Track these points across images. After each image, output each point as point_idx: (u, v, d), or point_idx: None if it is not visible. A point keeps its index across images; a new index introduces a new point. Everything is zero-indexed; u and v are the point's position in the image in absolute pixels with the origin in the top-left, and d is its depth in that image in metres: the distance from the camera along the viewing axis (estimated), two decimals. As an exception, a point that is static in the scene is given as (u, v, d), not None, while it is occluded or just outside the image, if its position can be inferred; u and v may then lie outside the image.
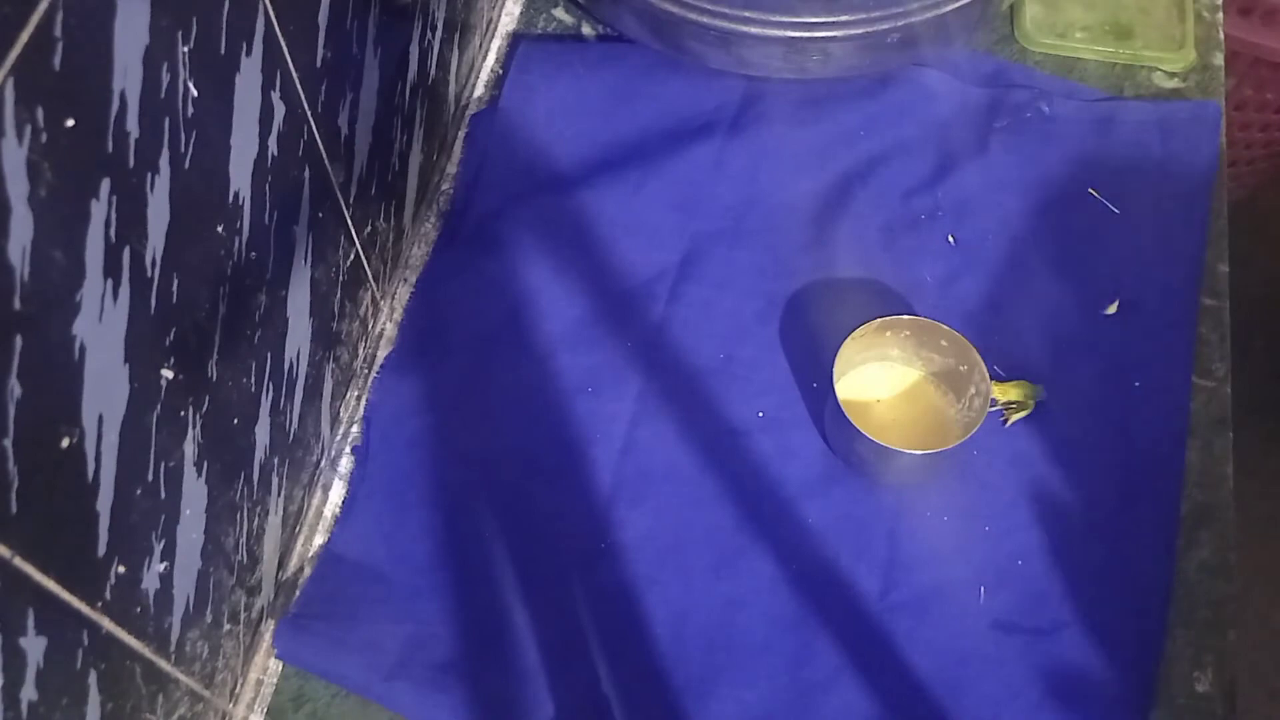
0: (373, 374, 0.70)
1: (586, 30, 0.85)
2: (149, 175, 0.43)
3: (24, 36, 0.34)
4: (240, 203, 0.50)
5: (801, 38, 0.73)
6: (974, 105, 0.78)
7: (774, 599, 0.63)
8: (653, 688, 0.60)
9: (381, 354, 0.71)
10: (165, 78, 0.42)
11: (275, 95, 0.51)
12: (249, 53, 0.48)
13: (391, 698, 0.61)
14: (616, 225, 0.73)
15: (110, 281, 0.41)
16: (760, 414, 0.68)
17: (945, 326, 0.64)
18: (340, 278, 0.65)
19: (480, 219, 0.74)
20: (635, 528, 0.65)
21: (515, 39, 0.84)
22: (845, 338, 0.64)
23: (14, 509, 0.38)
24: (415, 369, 0.70)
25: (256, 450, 0.57)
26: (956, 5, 0.73)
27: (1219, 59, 0.81)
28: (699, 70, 0.79)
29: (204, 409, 0.50)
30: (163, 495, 0.48)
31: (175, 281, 0.45)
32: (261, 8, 0.48)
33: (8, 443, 0.37)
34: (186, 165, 0.45)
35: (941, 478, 0.66)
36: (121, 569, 0.45)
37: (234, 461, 0.55)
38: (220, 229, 0.49)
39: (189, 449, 0.50)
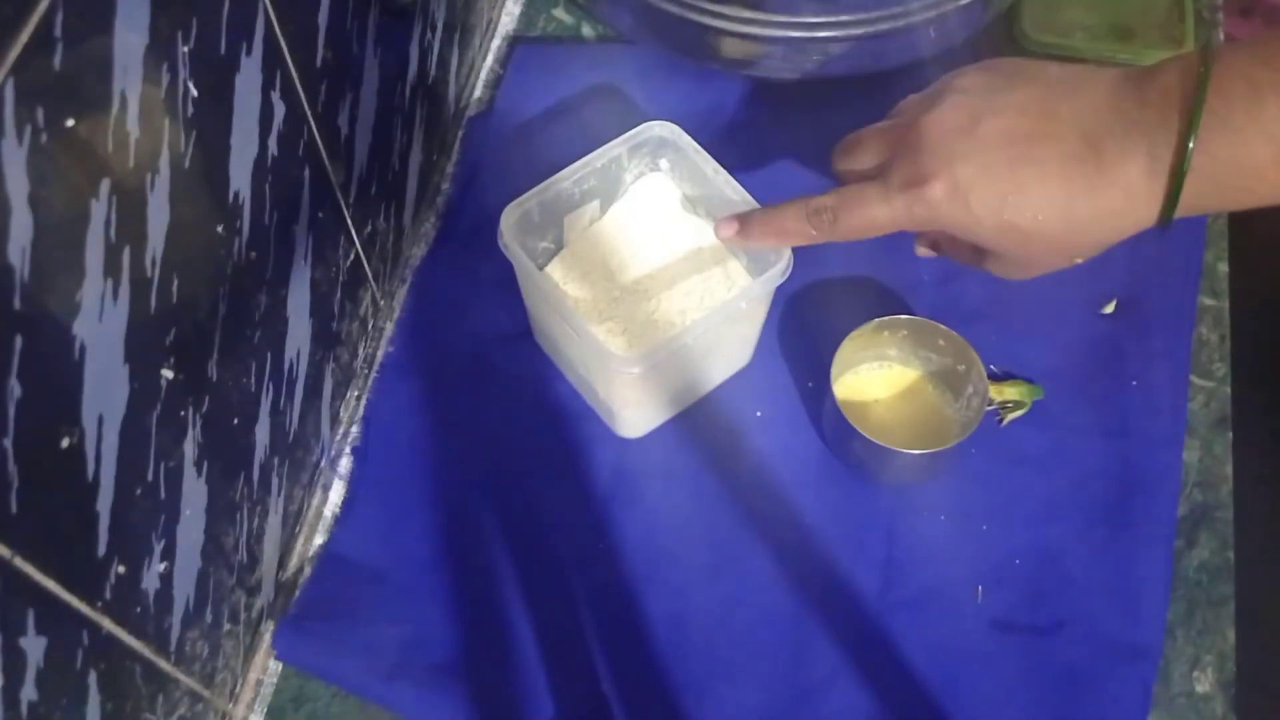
0: (373, 374, 0.71)
1: (586, 30, 0.85)
2: (149, 175, 0.43)
3: (24, 36, 0.34)
4: (240, 203, 0.50)
5: (801, 38, 0.73)
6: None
7: (772, 598, 0.63)
8: (652, 687, 0.61)
9: (381, 354, 0.71)
10: (165, 78, 0.42)
11: (275, 95, 0.51)
12: (249, 53, 0.48)
13: (391, 698, 0.61)
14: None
15: (110, 281, 0.41)
16: (759, 414, 0.68)
17: (943, 326, 0.64)
18: (340, 278, 0.65)
19: (478, 219, 0.74)
20: (633, 528, 0.65)
21: (515, 39, 0.84)
22: (843, 338, 0.64)
23: (14, 509, 0.38)
24: (415, 369, 0.70)
25: (256, 450, 0.57)
26: (956, 5, 0.73)
27: (1218, 59, 0.81)
28: (698, 70, 0.79)
29: (204, 409, 0.50)
30: (163, 495, 0.48)
31: (175, 281, 0.46)
32: (261, 8, 0.48)
33: (8, 443, 0.37)
34: (186, 165, 0.45)
35: (939, 477, 0.66)
36: (121, 569, 0.45)
37: (234, 461, 0.55)
38: (220, 229, 0.49)
39: (189, 449, 0.50)
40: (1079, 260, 0.54)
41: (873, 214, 0.54)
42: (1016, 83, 0.52)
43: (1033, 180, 0.50)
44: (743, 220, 0.61)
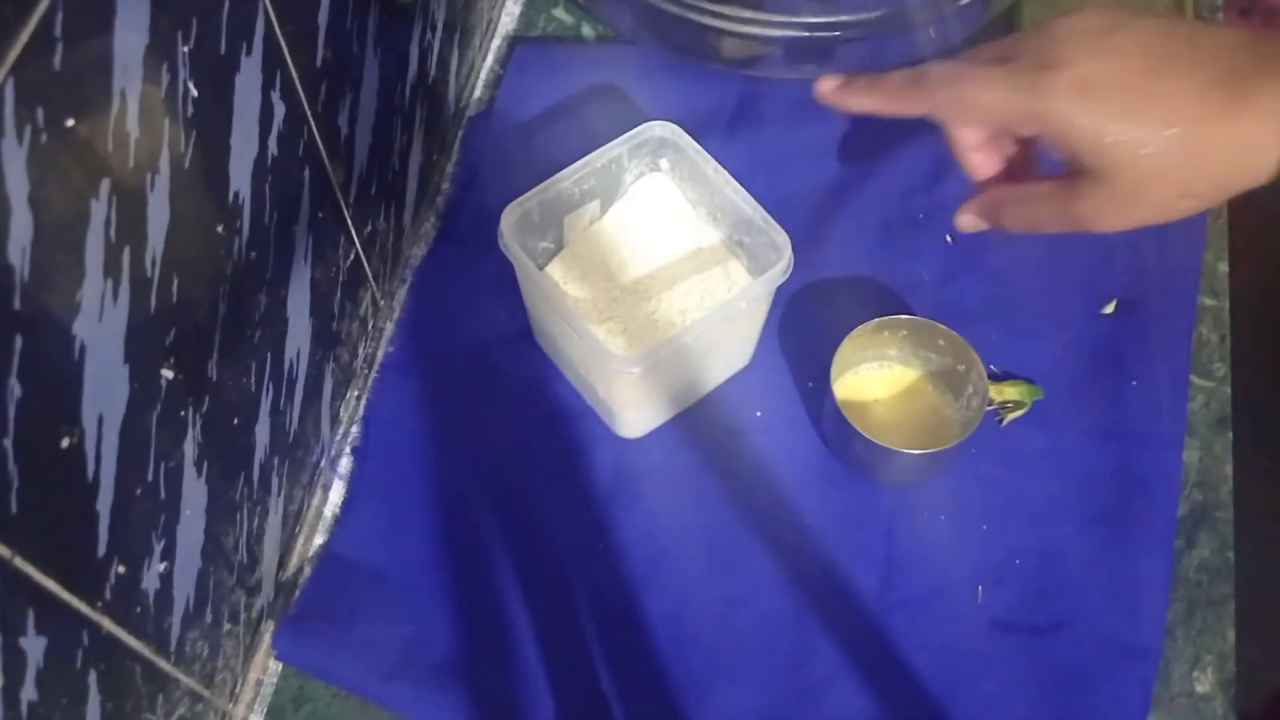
0: (373, 374, 0.71)
1: (586, 30, 0.85)
2: (149, 175, 0.43)
3: (24, 36, 0.34)
4: (240, 203, 0.50)
5: (801, 37, 0.73)
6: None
7: (772, 599, 0.63)
8: (652, 687, 0.61)
9: (381, 354, 0.71)
10: (165, 78, 0.42)
11: (275, 95, 0.51)
12: (249, 53, 0.48)
13: (391, 698, 0.61)
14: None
15: (110, 281, 0.41)
16: (759, 414, 0.68)
17: (943, 326, 0.64)
18: (340, 278, 0.65)
19: (478, 219, 0.74)
20: (633, 528, 0.65)
21: (515, 39, 0.84)
22: (843, 338, 0.64)
23: (14, 509, 0.38)
24: (415, 369, 0.70)
25: (256, 450, 0.57)
26: (956, 5, 0.73)
27: (1218, 59, 0.81)
28: (698, 70, 0.79)
29: (204, 409, 0.50)
30: (163, 495, 0.48)
31: (175, 281, 0.46)
32: (261, 8, 0.48)
33: (8, 443, 0.37)
34: (186, 165, 0.45)
35: (939, 477, 0.66)
36: (121, 569, 0.45)
37: (234, 461, 0.55)
38: (220, 229, 0.49)
39: (189, 449, 0.50)
40: (1183, 207, 0.48)
41: (983, 94, 0.49)
42: (1151, 14, 0.49)
43: (1166, 93, 0.46)
44: (849, 77, 0.55)
